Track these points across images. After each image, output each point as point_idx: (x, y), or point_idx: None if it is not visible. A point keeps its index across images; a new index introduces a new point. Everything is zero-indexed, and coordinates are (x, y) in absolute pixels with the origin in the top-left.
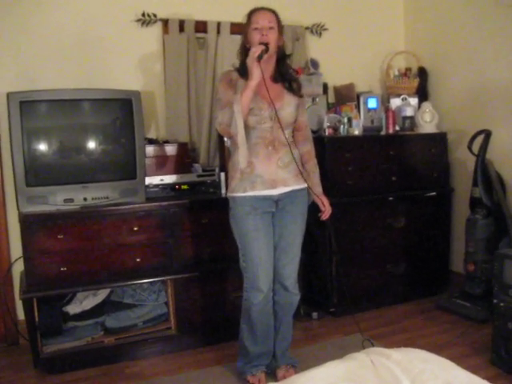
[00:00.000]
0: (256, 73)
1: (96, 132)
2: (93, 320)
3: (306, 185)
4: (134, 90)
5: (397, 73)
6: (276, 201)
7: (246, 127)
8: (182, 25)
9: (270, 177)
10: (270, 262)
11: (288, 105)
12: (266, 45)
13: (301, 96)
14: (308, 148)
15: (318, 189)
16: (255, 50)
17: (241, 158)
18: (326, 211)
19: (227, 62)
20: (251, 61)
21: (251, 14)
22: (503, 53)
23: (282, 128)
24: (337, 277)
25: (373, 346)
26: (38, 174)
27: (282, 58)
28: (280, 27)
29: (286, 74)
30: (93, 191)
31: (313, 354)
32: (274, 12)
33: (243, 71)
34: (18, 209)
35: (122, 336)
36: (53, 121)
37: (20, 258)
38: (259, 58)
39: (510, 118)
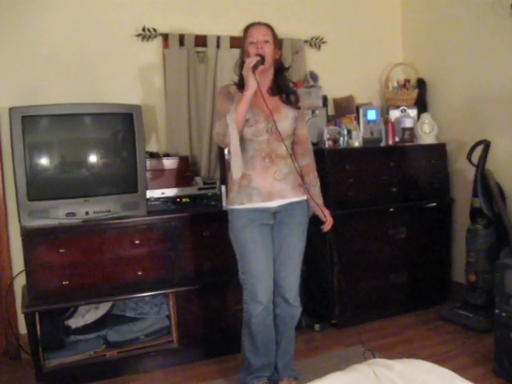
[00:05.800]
0: (251, 82)
1: (97, 146)
2: (95, 334)
3: (304, 197)
4: (134, 104)
5: (396, 84)
6: (274, 213)
7: (243, 140)
8: (181, 39)
9: (267, 189)
10: (269, 273)
11: (286, 117)
12: (262, 56)
13: (298, 108)
14: (308, 161)
15: (318, 201)
16: (250, 60)
17: (234, 167)
18: (328, 222)
19: (227, 75)
20: (246, 71)
21: (247, 29)
22: (501, 63)
23: (282, 140)
24: (338, 288)
25: (374, 357)
26: (39, 188)
27: (279, 70)
28: (276, 41)
29: (283, 87)
30: (94, 205)
31: (315, 365)
32: (269, 26)
33: (241, 84)
34: (20, 223)
35: (124, 349)
36: (54, 135)
37: (22, 271)
38: (254, 67)
39: (508, 128)
